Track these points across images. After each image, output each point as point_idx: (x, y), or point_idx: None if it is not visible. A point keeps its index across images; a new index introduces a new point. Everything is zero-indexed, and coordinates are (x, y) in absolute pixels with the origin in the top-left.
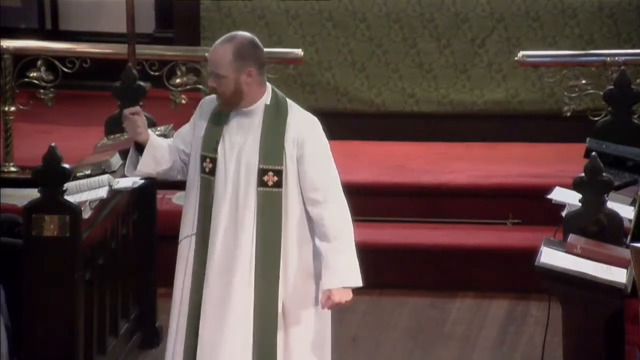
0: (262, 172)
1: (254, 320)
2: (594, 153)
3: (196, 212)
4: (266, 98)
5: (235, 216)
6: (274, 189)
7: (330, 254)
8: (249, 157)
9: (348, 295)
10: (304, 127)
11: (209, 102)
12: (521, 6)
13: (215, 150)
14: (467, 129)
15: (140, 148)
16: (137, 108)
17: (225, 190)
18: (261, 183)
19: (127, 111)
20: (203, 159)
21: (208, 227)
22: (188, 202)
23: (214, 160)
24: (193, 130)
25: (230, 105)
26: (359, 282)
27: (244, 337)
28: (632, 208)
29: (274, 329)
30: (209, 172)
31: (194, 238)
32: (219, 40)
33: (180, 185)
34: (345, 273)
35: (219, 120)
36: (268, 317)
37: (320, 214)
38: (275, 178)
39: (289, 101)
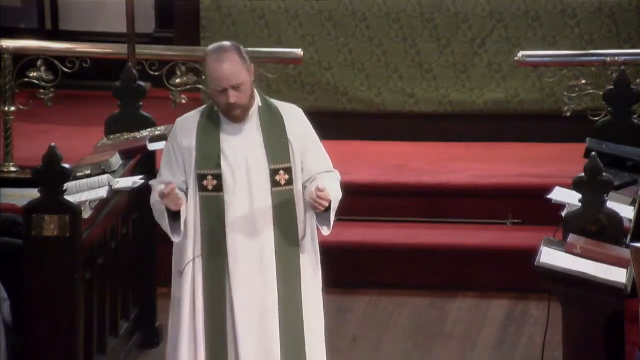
0: (273, 173)
1: (280, 315)
2: (594, 153)
3: (198, 234)
4: (257, 99)
5: (253, 224)
6: (286, 187)
7: (331, 182)
8: (258, 161)
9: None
10: (298, 119)
11: (189, 121)
12: (521, 6)
13: (219, 166)
14: (467, 129)
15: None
16: (171, 185)
17: (237, 203)
18: (274, 183)
19: (166, 190)
20: (202, 177)
21: (222, 244)
22: (189, 224)
23: (217, 177)
24: (179, 155)
25: (246, 113)
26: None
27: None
28: (632, 208)
29: (301, 322)
30: (213, 190)
31: (198, 260)
32: (214, 58)
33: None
34: (335, 202)
35: (210, 135)
36: (294, 315)
37: (331, 174)
38: (287, 176)
39: (265, 96)
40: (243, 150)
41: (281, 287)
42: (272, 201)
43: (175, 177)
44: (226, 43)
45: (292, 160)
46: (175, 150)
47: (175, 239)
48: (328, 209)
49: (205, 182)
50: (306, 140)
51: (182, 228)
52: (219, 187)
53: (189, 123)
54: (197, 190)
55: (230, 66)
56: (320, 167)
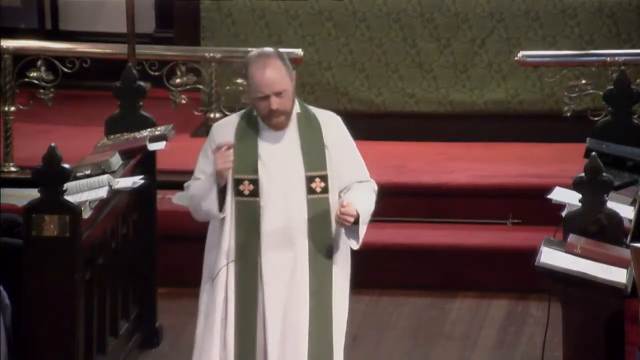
0: (309, 180)
1: (310, 326)
2: (594, 153)
3: (232, 239)
4: (296, 106)
5: (287, 231)
6: (322, 195)
7: (362, 194)
8: (294, 168)
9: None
10: (335, 127)
11: (224, 126)
12: (521, 6)
13: (255, 171)
14: (467, 129)
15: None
16: (230, 141)
17: (272, 208)
18: (310, 191)
19: (222, 143)
20: (238, 182)
21: (257, 249)
22: (219, 232)
23: (254, 182)
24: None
25: (288, 120)
26: (362, 234)
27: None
28: (632, 208)
29: (330, 334)
30: (249, 195)
31: (232, 265)
32: (257, 64)
33: (180, 186)
34: (364, 216)
35: (248, 140)
36: (324, 325)
37: (364, 184)
38: (322, 184)
39: (304, 103)
40: (280, 156)
41: (312, 296)
42: (307, 208)
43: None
44: (268, 49)
45: (328, 168)
46: (213, 152)
47: (220, 215)
48: (357, 222)
49: (241, 187)
50: (343, 148)
51: (228, 200)
52: (255, 192)
53: (227, 127)
54: (233, 195)
55: (274, 72)
56: (354, 177)
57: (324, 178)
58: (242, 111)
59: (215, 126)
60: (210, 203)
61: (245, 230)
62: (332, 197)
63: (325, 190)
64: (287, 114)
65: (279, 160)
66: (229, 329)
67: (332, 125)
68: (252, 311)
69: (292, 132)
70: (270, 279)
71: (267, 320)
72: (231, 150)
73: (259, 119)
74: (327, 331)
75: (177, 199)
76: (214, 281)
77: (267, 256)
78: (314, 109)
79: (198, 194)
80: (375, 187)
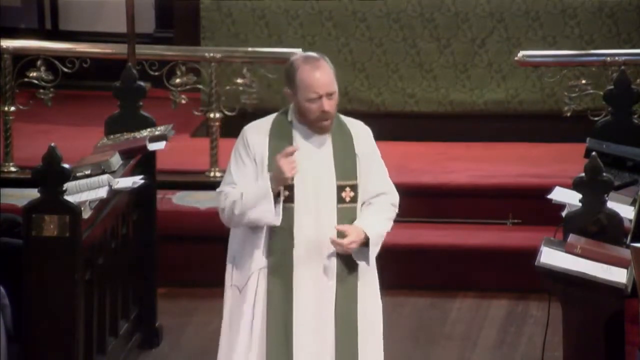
0: (339, 189)
1: (336, 329)
2: (594, 153)
3: (265, 245)
4: None
5: (318, 239)
6: (350, 205)
7: (377, 214)
8: (326, 176)
9: (357, 243)
10: (365, 137)
11: (256, 129)
12: (521, 6)
13: (292, 177)
14: (467, 129)
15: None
16: (294, 148)
17: (305, 216)
18: (339, 200)
19: (290, 149)
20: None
21: (291, 257)
22: (251, 236)
23: (290, 187)
24: (250, 163)
25: (332, 125)
26: (372, 255)
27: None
28: (632, 208)
29: (355, 342)
30: (285, 200)
31: (264, 271)
32: (309, 66)
33: (180, 186)
34: (376, 240)
35: (283, 144)
36: (349, 333)
37: (384, 197)
38: (352, 193)
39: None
40: (313, 164)
41: (338, 305)
42: (336, 217)
43: (249, 183)
44: (313, 53)
45: (358, 177)
46: (249, 156)
47: (277, 221)
48: (366, 244)
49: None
50: (371, 159)
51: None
52: (290, 198)
53: (260, 131)
54: None
55: (326, 74)
56: (378, 189)
57: (354, 188)
58: (274, 114)
59: (247, 129)
60: (264, 210)
61: (280, 237)
62: (360, 207)
63: (354, 199)
64: (333, 118)
65: (312, 167)
66: (254, 336)
67: (363, 135)
68: (285, 321)
69: (325, 139)
70: (300, 287)
71: (294, 329)
72: (295, 155)
73: (294, 123)
74: (352, 339)
75: (177, 199)
76: (240, 289)
77: (299, 263)
78: (345, 118)
79: (248, 201)
80: (395, 200)
